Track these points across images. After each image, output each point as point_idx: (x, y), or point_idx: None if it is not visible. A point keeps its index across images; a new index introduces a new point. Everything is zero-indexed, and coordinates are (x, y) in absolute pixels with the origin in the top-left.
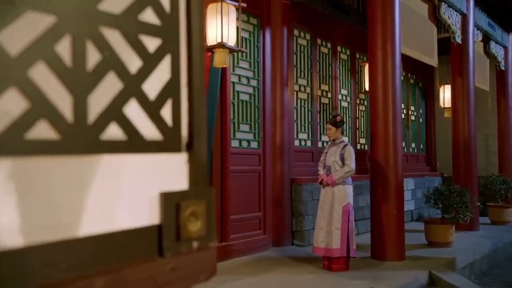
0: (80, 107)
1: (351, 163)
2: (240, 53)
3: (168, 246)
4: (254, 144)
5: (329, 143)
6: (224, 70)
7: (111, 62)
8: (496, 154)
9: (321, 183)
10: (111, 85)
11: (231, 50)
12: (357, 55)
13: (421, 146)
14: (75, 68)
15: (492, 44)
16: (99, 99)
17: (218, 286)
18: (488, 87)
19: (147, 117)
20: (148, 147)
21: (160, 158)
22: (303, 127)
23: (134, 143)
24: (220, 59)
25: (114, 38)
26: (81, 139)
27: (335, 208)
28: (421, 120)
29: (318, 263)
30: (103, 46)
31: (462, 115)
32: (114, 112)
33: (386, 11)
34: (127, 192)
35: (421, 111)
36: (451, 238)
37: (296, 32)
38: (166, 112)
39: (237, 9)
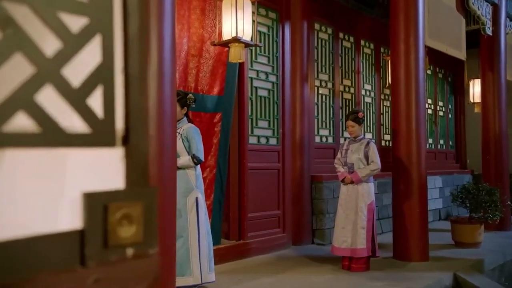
0: None
1: (378, 161)
2: (258, 48)
3: (92, 254)
4: (273, 141)
5: (348, 140)
6: (241, 65)
7: (15, 41)
8: None
9: (343, 181)
10: (18, 69)
11: (246, 45)
12: (382, 49)
13: (450, 142)
14: None
15: None
16: (1, 84)
17: (232, 286)
18: None
19: (69, 106)
20: (70, 140)
21: (87, 153)
22: (324, 123)
23: (51, 136)
24: (236, 54)
25: (20, 13)
26: None
27: (360, 206)
28: (450, 115)
29: (338, 263)
30: (4, 21)
31: (492, 110)
32: (22, 99)
33: (409, 2)
34: (42, 192)
35: (450, 106)
36: (479, 239)
37: (317, 26)
38: (95, 102)
39: (252, 3)
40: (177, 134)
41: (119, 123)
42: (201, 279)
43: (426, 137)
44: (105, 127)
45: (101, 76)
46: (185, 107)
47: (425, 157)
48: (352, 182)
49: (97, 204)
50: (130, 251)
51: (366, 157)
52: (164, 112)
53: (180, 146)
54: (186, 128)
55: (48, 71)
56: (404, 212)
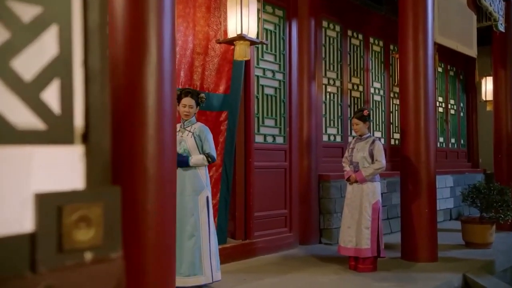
0: None
1: (382, 159)
2: (265, 46)
3: (44, 259)
4: (279, 140)
5: (354, 138)
6: (247, 63)
7: None
8: None
9: (348, 180)
10: None
11: (252, 43)
12: (391, 47)
13: (462, 141)
14: None
15: None
16: None
17: (237, 285)
18: None
19: (19, 101)
20: (22, 137)
21: (43, 151)
22: (332, 122)
23: None
24: (241, 52)
25: None
26: None
27: (364, 206)
28: (461, 114)
29: (344, 263)
30: None
31: (504, 108)
32: None
33: None
34: None
35: (461, 104)
36: (490, 239)
37: (324, 24)
38: (51, 97)
39: (258, 0)
40: (188, 132)
41: (78, 120)
42: (212, 278)
43: (437, 136)
44: (62, 123)
45: (58, 69)
46: (198, 106)
47: (434, 156)
48: (357, 181)
49: (50, 205)
50: (88, 256)
51: (371, 155)
52: (164, 111)
53: (192, 144)
54: (198, 127)
55: None
56: (412, 211)
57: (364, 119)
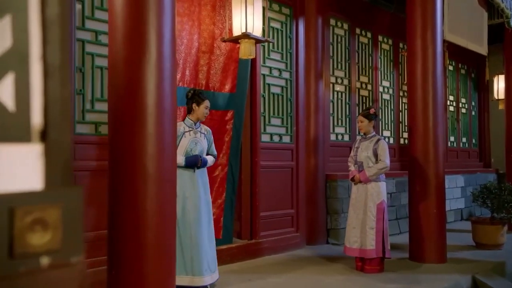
0: None
1: (386, 159)
2: (271, 45)
3: None
4: (286, 139)
5: (359, 137)
6: (253, 62)
7: None
8: None
9: (352, 180)
10: None
11: (257, 41)
12: (401, 45)
13: (473, 140)
14: None
15: None
16: None
17: (241, 285)
18: None
19: None
20: None
21: None
22: (340, 121)
23: None
24: (246, 50)
25: None
26: None
27: (368, 206)
28: (473, 113)
29: (351, 263)
30: None
31: None
32: None
33: None
34: None
35: (473, 103)
36: (501, 240)
37: (332, 22)
38: (4, 92)
39: None
40: (201, 133)
41: (36, 117)
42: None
43: (448, 135)
44: (18, 120)
45: (12, 63)
46: None
47: (443, 155)
48: (361, 181)
49: (1, 207)
50: (45, 260)
51: (375, 154)
52: (164, 110)
53: (205, 145)
54: (206, 128)
55: None
56: (421, 212)
57: (370, 117)
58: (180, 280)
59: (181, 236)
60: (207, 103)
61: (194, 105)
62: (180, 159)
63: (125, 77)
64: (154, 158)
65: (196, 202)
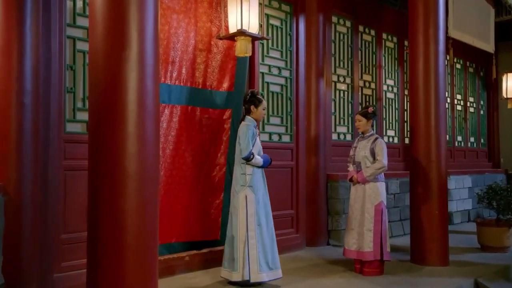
0: None
1: (383, 159)
2: (270, 43)
3: None
4: (286, 138)
5: (358, 137)
6: (251, 60)
7: None
8: None
9: (351, 180)
10: None
11: (254, 38)
12: (406, 43)
13: (482, 140)
14: None
15: None
16: None
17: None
18: None
19: None
20: None
21: None
22: (342, 120)
23: None
24: (242, 48)
25: None
26: None
27: (366, 207)
28: (482, 112)
29: (351, 265)
30: None
31: None
32: None
33: None
34: None
35: (482, 102)
36: (507, 243)
37: (334, 19)
38: None
39: None
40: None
41: None
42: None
43: (455, 134)
44: None
45: None
46: None
47: (446, 155)
48: (359, 182)
49: None
50: None
51: (373, 154)
52: (145, 107)
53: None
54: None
55: None
56: (422, 213)
57: (368, 116)
58: (259, 276)
59: (262, 233)
60: (264, 104)
61: (252, 106)
62: (259, 159)
63: (105, 73)
64: (134, 157)
65: (266, 199)
